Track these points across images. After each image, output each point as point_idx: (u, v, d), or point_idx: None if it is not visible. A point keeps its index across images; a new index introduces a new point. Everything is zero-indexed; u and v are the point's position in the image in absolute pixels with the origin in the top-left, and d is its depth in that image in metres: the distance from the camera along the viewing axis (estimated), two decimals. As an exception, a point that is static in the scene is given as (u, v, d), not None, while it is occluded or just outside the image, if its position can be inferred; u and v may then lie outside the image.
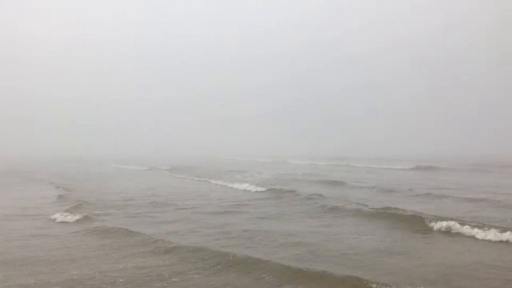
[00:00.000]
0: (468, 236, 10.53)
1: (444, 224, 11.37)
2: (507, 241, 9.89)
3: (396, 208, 13.74)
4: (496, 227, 10.75)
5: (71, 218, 13.37)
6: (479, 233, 10.49)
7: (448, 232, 11.04)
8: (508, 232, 10.18)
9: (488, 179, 27.55)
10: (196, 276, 7.64)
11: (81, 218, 13.19)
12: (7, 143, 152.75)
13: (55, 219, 13.46)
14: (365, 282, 6.97)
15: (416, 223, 11.86)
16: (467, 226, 10.99)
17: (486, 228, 10.67)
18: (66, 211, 14.37)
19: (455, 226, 11.17)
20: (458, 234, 10.80)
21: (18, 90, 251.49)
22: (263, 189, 20.92)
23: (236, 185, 23.41)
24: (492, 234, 10.28)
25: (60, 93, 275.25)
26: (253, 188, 21.55)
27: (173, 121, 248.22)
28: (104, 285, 7.22)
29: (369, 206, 14.64)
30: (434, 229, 11.29)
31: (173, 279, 7.50)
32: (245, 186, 22.53)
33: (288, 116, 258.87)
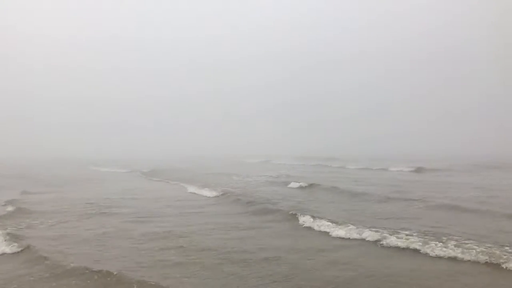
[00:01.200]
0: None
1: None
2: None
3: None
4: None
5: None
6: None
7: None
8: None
9: (462, 180, 27.27)
10: None
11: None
12: (4, 143, 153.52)
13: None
14: None
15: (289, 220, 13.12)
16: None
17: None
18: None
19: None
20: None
21: (17, 90, 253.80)
22: (217, 194, 20.52)
23: (200, 190, 22.59)
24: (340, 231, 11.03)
25: (59, 94, 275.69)
26: (208, 193, 21.08)
27: (173, 122, 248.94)
28: None
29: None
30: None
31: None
32: (204, 191, 21.96)
33: (287, 115, 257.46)
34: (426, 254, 8.95)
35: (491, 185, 23.55)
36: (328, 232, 11.11)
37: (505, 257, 8.22)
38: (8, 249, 9.97)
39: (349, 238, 10.56)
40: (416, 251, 9.19)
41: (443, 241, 9.52)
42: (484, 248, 8.80)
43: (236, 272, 7.89)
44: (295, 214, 13.37)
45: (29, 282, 7.59)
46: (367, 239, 10.26)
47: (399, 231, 10.66)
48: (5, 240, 10.61)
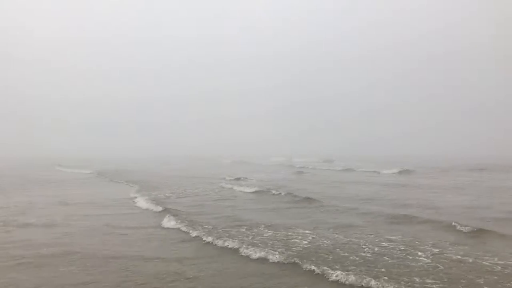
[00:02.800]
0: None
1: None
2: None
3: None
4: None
5: None
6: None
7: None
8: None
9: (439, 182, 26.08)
10: None
11: None
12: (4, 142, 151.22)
13: None
14: None
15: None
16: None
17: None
18: None
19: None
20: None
21: (17, 90, 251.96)
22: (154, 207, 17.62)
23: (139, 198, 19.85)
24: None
25: (59, 93, 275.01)
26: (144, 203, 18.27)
27: (172, 121, 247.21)
28: None
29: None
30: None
31: None
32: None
33: (288, 116, 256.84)
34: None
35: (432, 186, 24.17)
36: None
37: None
38: None
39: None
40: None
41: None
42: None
43: None
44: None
45: None
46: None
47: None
48: None
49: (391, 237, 10.33)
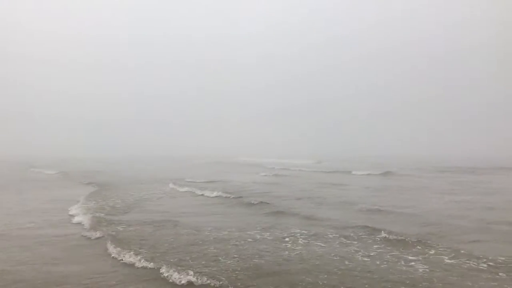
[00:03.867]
0: None
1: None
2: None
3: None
4: None
5: None
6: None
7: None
8: None
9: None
10: None
11: None
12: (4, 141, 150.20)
13: None
14: None
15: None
16: None
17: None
18: None
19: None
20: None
21: (15, 88, 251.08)
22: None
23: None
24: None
25: (59, 91, 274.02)
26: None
27: (171, 120, 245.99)
28: None
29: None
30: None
31: None
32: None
33: (287, 117, 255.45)
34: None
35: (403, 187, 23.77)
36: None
37: None
38: None
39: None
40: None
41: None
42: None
43: None
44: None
45: None
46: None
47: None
48: None
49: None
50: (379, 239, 10.07)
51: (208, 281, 6.97)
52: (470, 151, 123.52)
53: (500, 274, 7.45)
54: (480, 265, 7.93)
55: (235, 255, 8.63)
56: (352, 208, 15.49)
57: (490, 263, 8.01)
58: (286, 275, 7.37)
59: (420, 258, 8.39)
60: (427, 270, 7.66)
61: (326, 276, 7.26)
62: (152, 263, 8.10)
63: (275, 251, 9.02)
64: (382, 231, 10.53)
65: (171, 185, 24.86)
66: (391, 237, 10.07)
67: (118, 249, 9.16)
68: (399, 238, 9.94)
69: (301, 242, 9.82)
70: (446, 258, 8.42)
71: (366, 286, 6.81)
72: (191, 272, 7.31)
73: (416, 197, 18.98)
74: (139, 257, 8.46)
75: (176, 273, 7.34)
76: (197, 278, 7.07)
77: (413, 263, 8.06)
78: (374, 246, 9.42)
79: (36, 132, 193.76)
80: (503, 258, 8.30)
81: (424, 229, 11.38)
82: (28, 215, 14.53)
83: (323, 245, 9.53)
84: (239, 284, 6.92)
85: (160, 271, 7.59)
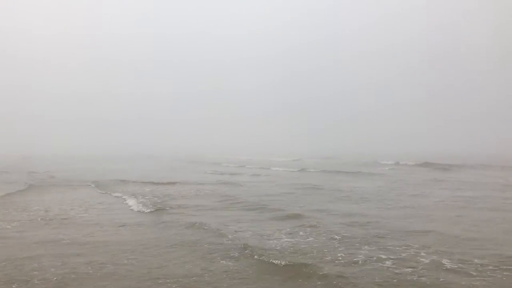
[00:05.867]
0: None
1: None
2: None
3: None
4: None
5: None
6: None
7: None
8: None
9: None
10: None
11: None
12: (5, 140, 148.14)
13: None
14: None
15: None
16: None
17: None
18: None
19: None
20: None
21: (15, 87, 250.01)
22: None
23: None
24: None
25: (58, 89, 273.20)
26: None
27: (170, 119, 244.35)
28: None
29: None
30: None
31: None
32: None
33: (286, 116, 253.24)
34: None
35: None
36: None
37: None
38: None
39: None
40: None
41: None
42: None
43: None
44: None
45: None
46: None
47: None
48: None
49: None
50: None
51: None
52: (462, 149, 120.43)
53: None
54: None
55: None
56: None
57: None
58: None
59: None
60: None
61: None
62: None
63: None
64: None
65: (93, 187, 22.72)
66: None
67: None
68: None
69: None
70: None
71: None
72: None
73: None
74: None
75: None
76: None
77: None
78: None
79: (32, 130, 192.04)
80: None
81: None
82: None
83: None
84: None
85: None
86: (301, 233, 10.29)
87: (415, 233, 10.18)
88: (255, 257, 8.07)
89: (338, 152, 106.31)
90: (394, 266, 7.50)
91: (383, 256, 8.06)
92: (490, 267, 7.36)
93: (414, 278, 6.87)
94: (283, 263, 7.61)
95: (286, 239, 9.61)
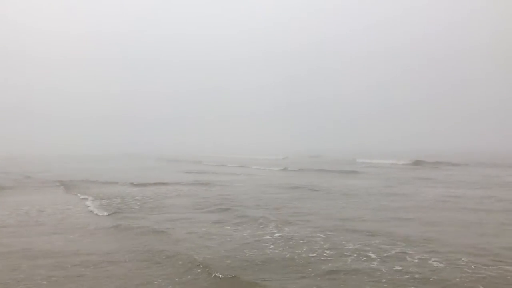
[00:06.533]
0: None
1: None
2: None
3: None
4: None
5: None
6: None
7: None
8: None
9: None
10: None
11: None
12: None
13: None
14: None
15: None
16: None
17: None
18: None
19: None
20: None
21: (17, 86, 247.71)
22: None
23: None
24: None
25: (58, 87, 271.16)
26: None
27: (168, 118, 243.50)
28: None
29: None
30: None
31: None
32: None
33: (286, 116, 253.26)
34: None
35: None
36: None
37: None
38: None
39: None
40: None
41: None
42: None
43: None
44: None
45: None
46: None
47: None
48: None
49: None
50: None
51: None
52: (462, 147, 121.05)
53: None
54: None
55: None
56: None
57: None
58: None
59: None
60: None
61: None
62: None
63: None
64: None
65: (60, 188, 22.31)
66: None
67: None
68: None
69: None
70: None
71: None
72: None
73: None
74: None
75: None
76: None
77: None
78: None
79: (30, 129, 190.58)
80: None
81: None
82: None
83: None
84: None
85: None
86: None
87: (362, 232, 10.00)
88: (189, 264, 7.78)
89: (332, 151, 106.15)
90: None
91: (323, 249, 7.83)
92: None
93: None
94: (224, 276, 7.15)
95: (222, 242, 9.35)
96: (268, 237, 9.90)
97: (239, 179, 28.23)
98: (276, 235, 10.07)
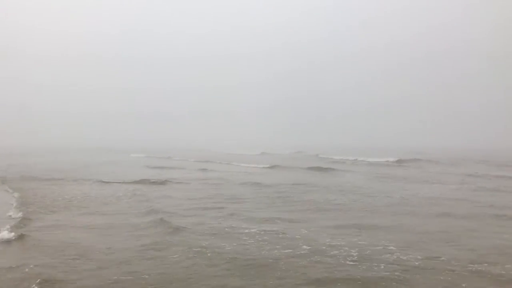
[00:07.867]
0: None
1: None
2: None
3: None
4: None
5: None
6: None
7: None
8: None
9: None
10: None
11: None
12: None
13: None
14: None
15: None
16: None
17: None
18: None
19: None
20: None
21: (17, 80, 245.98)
22: None
23: None
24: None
25: (59, 85, 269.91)
26: None
27: (165, 113, 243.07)
28: None
29: None
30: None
31: None
32: None
33: (281, 112, 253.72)
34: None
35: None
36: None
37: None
38: None
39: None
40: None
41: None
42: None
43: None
44: None
45: None
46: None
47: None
48: None
49: None
50: None
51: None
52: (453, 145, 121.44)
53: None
54: None
55: None
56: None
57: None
58: None
59: None
60: None
61: None
62: None
63: None
64: None
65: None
66: None
67: None
68: None
69: None
70: None
71: None
72: None
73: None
74: None
75: None
76: None
77: None
78: None
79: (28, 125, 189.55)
80: None
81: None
82: None
83: None
84: None
85: None
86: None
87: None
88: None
89: (318, 147, 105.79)
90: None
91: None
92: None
93: None
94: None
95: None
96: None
97: (191, 176, 27.42)
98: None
